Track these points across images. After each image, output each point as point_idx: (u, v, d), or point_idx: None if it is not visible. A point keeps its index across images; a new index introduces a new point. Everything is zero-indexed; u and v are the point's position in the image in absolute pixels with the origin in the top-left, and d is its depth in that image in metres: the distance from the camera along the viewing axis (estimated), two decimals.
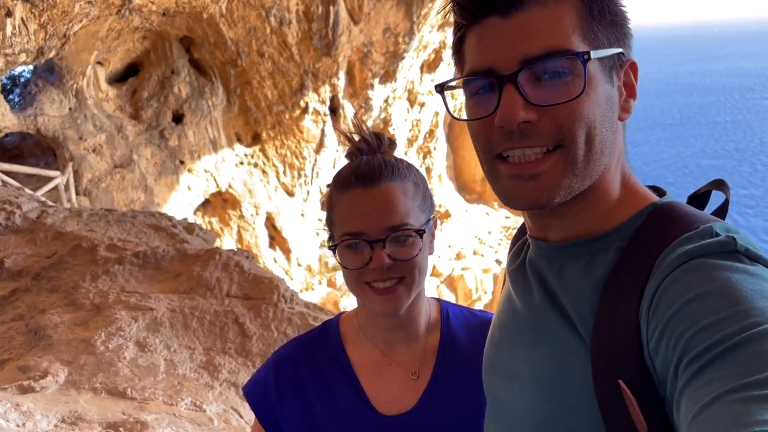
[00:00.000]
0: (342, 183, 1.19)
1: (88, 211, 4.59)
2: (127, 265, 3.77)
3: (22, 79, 14.16)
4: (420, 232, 1.17)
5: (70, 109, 11.60)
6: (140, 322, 3.38)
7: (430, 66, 15.45)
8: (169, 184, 13.64)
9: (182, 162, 13.83)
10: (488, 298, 14.68)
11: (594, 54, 0.81)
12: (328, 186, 1.32)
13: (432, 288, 14.51)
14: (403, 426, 1.23)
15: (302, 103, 14.65)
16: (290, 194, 15.68)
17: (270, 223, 15.68)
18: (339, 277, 15.79)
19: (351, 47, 14.17)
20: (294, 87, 14.48)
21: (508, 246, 1.11)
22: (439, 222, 1.25)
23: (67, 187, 10.94)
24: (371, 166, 1.18)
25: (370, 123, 15.35)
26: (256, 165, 15.38)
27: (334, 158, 15.39)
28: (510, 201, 0.86)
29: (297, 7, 13.13)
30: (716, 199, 0.92)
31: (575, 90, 0.80)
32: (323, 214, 16.18)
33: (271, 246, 15.57)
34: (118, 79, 13.00)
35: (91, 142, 12.11)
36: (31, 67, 11.55)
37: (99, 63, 11.95)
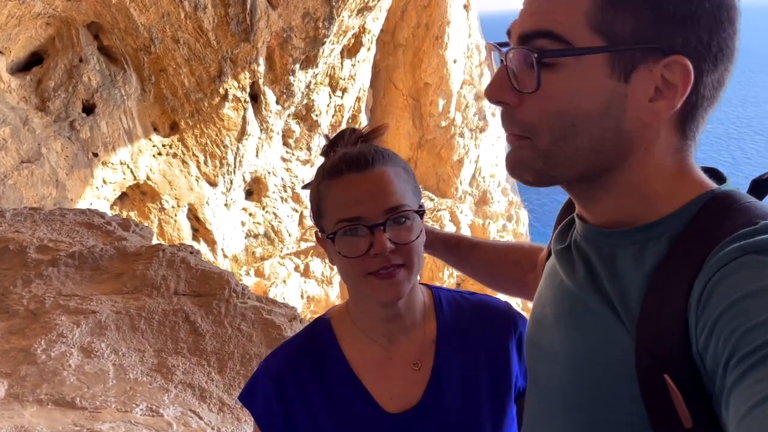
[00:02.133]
0: (332, 170, 1.16)
1: (11, 210, 4.29)
2: (62, 267, 3.55)
3: None
4: (419, 213, 1.15)
5: None
6: (83, 327, 3.20)
7: (350, 51, 15.36)
8: (82, 178, 12.98)
9: (96, 154, 13.18)
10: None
11: (569, 51, 0.81)
12: (305, 186, 1.28)
13: None
14: (411, 423, 1.20)
15: (221, 90, 14.25)
16: (213, 184, 15.27)
17: (192, 214, 15.22)
18: (267, 267, 15.54)
19: (270, 32, 13.87)
20: (212, 74, 14.04)
21: (554, 222, 1.11)
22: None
23: None
24: (361, 151, 1.16)
25: (292, 109, 15.14)
26: (175, 155, 14.87)
27: (257, 146, 15.09)
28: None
29: None
30: None
31: (530, 86, 0.81)
32: (247, 203, 15.69)
33: (195, 238, 15.12)
34: (21, 68, 12.20)
35: None
36: None
37: None
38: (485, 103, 17.97)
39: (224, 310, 3.39)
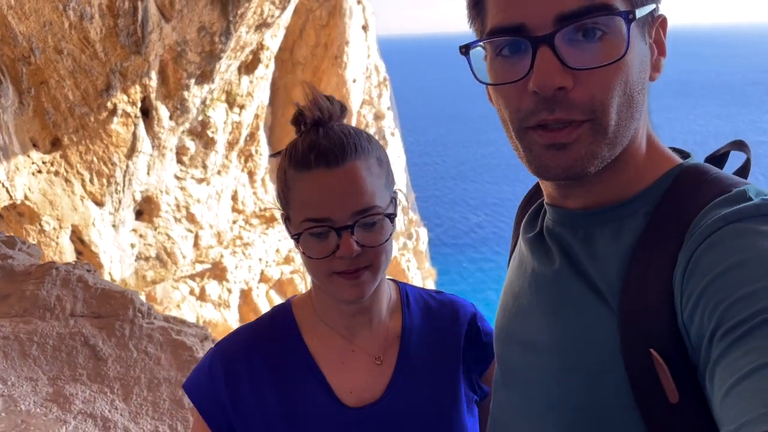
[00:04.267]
0: (300, 161, 1.08)
1: None
2: None
3: None
4: (390, 216, 1.10)
5: None
6: None
7: (248, 67, 15.12)
8: None
9: None
10: None
11: (638, 13, 0.77)
12: (273, 159, 1.20)
13: (262, 293, 14.15)
14: (371, 418, 1.15)
15: (109, 105, 13.58)
16: (99, 204, 14.46)
17: (76, 236, 14.32)
18: (159, 291, 14.83)
19: (163, 45, 13.40)
20: (99, 87, 13.35)
21: (516, 214, 1.09)
22: (401, 197, 1.20)
23: None
24: (332, 141, 1.07)
25: (187, 126, 14.68)
26: (57, 173, 13.97)
27: (148, 163, 14.45)
28: (542, 171, 0.82)
29: (100, 0, 12.12)
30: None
31: (615, 52, 0.76)
32: (138, 224, 15.03)
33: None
34: None
35: None
36: None
37: None
38: (385, 123, 18.19)
39: (128, 332, 3.12)
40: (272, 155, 1.21)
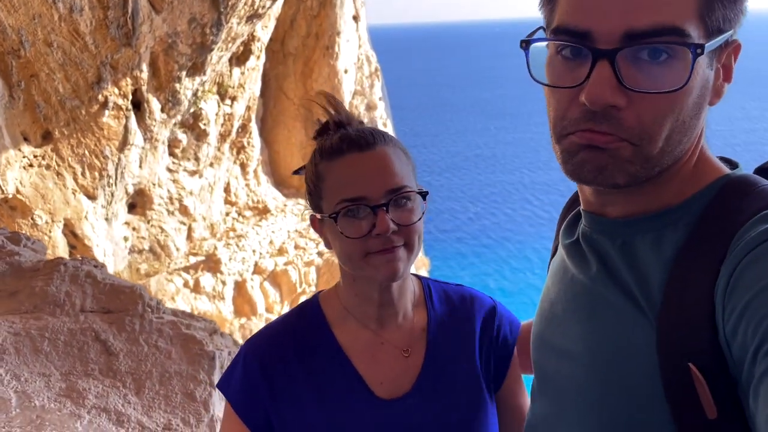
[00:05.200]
0: (333, 151, 1.15)
1: None
2: None
3: None
4: (423, 194, 1.15)
5: None
6: None
7: (239, 59, 15.04)
8: None
9: None
10: (313, 291, 14.72)
11: (708, 47, 0.74)
12: (302, 170, 1.24)
13: (256, 285, 14.17)
14: (402, 411, 1.19)
15: (101, 98, 13.49)
16: (92, 197, 14.39)
17: (69, 230, 14.26)
18: (153, 284, 14.80)
19: (154, 37, 13.30)
20: (90, 80, 13.26)
21: (558, 218, 1.09)
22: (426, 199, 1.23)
23: None
24: (361, 131, 1.15)
25: (178, 118, 14.62)
26: (48, 167, 13.89)
27: (140, 156, 14.38)
28: (574, 172, 0.81)
29: None
30: None
31: (676, 80, 0.74)
32: (131, 217, 14.90)
33: (72, 256, 14.15)
34: None
35: None
36: None
37: None
38: (377, 113, 18.17)
39: (139, 327, 3.15)
40: (295, 172, 1.27)
